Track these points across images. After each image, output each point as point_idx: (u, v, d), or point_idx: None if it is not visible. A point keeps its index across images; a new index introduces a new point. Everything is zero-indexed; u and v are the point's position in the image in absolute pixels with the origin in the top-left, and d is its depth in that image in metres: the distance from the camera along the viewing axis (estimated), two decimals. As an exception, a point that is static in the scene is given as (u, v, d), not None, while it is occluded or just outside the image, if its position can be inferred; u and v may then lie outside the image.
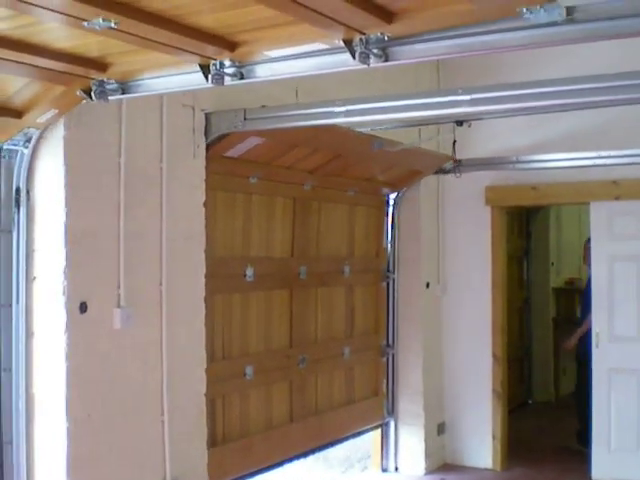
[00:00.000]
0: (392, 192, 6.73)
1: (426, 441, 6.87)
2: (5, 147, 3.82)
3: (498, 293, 6.96)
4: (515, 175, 6.78)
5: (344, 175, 5.98)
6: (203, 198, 4.60)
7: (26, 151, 3.83)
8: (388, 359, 6.87)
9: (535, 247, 9.90)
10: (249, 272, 5.24)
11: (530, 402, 9.87)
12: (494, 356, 6.94)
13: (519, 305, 9.53)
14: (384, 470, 6.89)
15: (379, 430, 6.86)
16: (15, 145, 3.83)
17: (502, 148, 6.55)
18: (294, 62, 3.06)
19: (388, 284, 6.84)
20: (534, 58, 5.84)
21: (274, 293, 5.55)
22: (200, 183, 4.60)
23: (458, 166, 6.53)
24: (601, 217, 6.54)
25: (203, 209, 4.60)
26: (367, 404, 6.63)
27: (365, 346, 6.62)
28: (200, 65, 3.13)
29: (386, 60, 2.80)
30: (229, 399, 5.15)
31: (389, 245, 6.86)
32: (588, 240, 8.02)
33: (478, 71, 6.12)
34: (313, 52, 2.99)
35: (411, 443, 6.87)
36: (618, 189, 6.43)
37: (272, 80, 3.25)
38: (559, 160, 6.21)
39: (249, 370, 5.24)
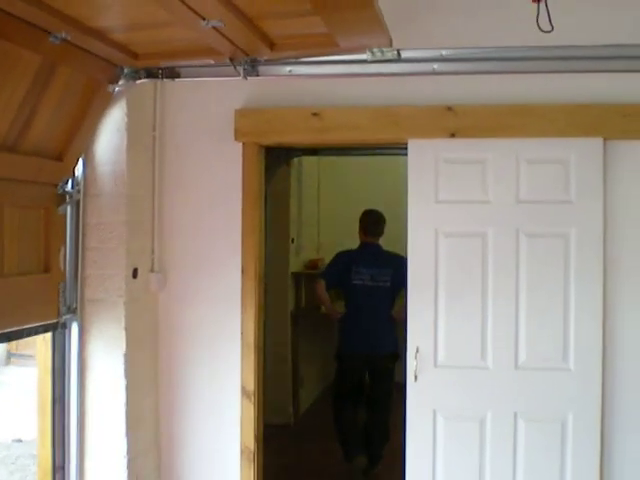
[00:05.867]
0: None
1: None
2: None
3: (250, 285, 4.21)
4: (286, 91, 4.07)
5: None
6: None
7: None
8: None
9: (272, 217, 7.26)
10: None
11: (261, 426, 7.30)
12: (244, 391, 4.20)
13: (252, 296, 6.87)
14: None
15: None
16: None
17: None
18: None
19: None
20: None
21: None
22: None
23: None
24: (425, 165, 4.01)
25: None
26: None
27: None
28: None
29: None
30: None
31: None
32: (367, 214, 6.17)
33: None
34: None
35: None
36: (455, 120, 3.94)
37: None
38: (361, 62, 3.59)
39: None
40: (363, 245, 6.04)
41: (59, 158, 3.62)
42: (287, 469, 5.94)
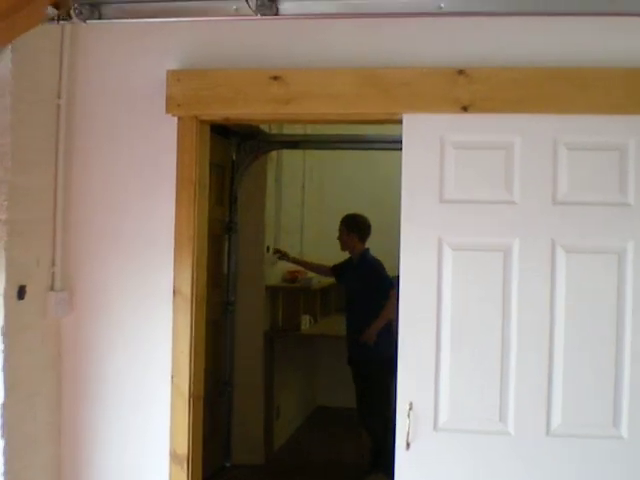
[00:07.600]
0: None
1: None
2: None
3: (185, 311, 3.09)
4: (237, 46, 2.98)
5: None
6: None
7: None
8: None
9: (244, 220, 6.14)
10: None
11: (228, 465, 6.18)
12: (174, 456, 3.08)
13: (216, 315, 5.73)
14: None
15: None
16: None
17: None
18: None
19: None
20: None
21: None
22: None
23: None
24: (426, 150, 2.90)
25: None
26: None
27: None
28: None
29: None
30: None
31: None
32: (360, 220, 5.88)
33: None
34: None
35: None
36: (469, 88, 2.83)
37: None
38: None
39: None
40: (365, 252, 5.81)
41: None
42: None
